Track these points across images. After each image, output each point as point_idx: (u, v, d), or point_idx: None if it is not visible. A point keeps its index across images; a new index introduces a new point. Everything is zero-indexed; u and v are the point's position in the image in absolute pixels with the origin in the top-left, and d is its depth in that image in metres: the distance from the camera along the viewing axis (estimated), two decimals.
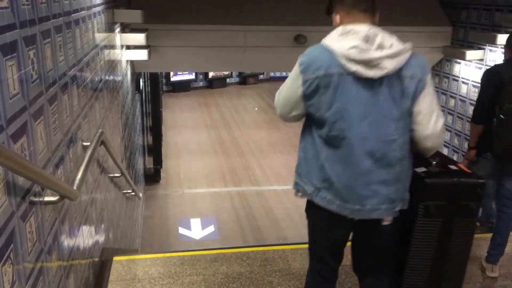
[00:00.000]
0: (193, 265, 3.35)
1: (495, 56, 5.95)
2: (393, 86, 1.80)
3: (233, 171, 9.73)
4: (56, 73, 2.01)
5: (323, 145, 1.88)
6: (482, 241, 3.50)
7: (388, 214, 1.92)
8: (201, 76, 17.73)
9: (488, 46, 6.06)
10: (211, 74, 17.40)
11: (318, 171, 1.91)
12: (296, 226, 7.32)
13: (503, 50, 3.38)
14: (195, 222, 7.53)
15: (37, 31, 1.76)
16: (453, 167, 2.33)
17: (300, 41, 6.32)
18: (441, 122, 1.90)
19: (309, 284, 2.21)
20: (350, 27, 1.83)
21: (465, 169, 2.39)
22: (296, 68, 1.88)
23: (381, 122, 1.82)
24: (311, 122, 1.94)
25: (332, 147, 1.86)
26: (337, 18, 1.92)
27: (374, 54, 1.75)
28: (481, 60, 6.16)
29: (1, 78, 1.39)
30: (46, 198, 1.80)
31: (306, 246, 2.35)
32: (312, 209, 2.01)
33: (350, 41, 1.78)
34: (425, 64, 1.88)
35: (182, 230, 7.30)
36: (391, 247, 2.10)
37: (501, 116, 2.97)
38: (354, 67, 1.76)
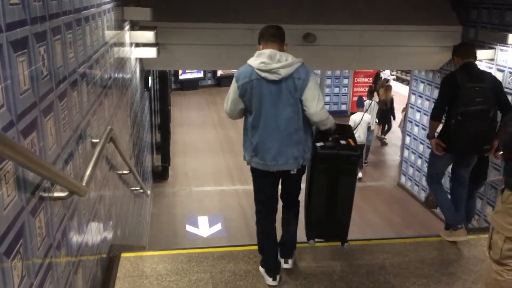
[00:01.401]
0: (200, 262, 3.36)
1: (506, 55, 5.89)
2: (289, 84, 2.87)
3: (240, 169, 9.71)
4: (66, 70, 2.02)
5: (251, 128, 2.98)
6: (486, 242, 3.47)
7: (293, 167, 2.99)
8: (209, 75, 17.76)
9: (499, 45, 6.00)
10: (219, 73, 17.40)
11: (250, 145, 3.01)
12: (302, 225, 7.33)
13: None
14: (203, 220, 7.55)
15: (48, 28, 1.77)
16: (343, 142, 3.23)
17: (309, 39, 6.25)
18: (321, 104, 2.93)
19: (258, 219, 3.25)
20: (262, 51, 2.93)
21: (351, 142, 3.24)
22: (233, 80, 2.97)
23: (283, 107, 2.89)
24: (247, 115, 3.03)
25: (255, 129, 2.95)
26: (260, 47, 3.00)
27: (273, 65, 2.84)
28: (492, 60, 6.10)
29: (12, 74, 1.40)
30: (56, 194, 1.82)
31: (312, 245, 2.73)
32: (252, 169, 3.13)
33: (260, 59, 2.88)
34: (308, 71, 2.92)
35: (189, 228, 7.32)
36: (297, 194, 3.26)
37: (458, 117, 3.58)
38: (263, 74, 2.86)
